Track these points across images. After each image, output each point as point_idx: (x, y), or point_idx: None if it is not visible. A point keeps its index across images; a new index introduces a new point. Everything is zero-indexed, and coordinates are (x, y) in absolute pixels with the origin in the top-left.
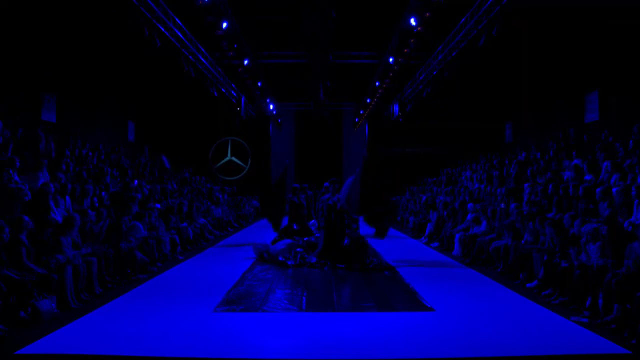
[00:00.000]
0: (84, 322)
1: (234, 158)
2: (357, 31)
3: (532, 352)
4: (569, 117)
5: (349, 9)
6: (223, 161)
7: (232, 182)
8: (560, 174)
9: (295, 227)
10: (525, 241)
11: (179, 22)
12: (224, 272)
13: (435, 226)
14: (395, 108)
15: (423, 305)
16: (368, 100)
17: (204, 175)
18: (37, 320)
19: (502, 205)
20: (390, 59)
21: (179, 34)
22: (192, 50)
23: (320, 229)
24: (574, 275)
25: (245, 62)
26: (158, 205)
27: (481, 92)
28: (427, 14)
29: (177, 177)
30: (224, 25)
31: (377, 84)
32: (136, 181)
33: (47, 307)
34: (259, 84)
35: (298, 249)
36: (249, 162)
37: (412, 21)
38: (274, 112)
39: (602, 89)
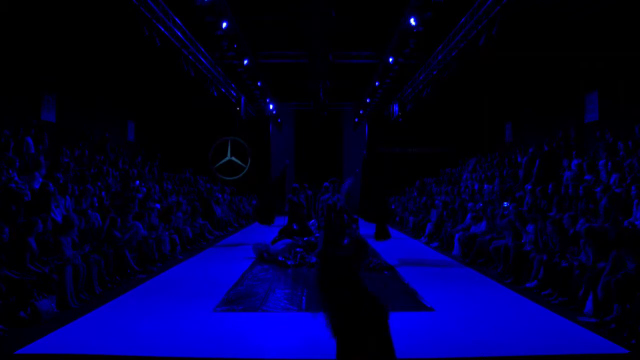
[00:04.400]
0: (83, 322)
1: (233, 158)
2: (357, 31)
3: (532, 352)
4: (569, 117)
5: (348, 8)
6: (223, 161)
7: (231, 182)
8: (560, 174)
9: (295, 227)
10: (525, 241)
11: (178, 22)
12: (224, 272)
13: (435, 226)
14: (395, 108)
15: (423, 305)
16: (368, 100)
17: (204, 175)
18: (37, 320)
19: (505, 204)
20: (390, 59)
21: (179, 34)
22: (192, 50)
23: (320, 229)
24: (574, 275)
25: (245, 62)
26: (158, 206)
27: (481, 92)
28: (427, 14)
29: (176, 177)
30: (224, 25)
31: (377, 84)
32: (137, 182)
33: (47, 307)
34: (258, 84)
35: (298, 249)
36: (249, 162)
37: (412, 21)
38: (274, 112)
39: (602, 89)
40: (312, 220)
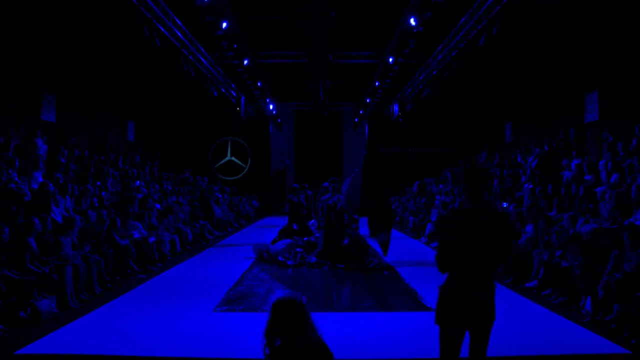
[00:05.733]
0: (83, 322)
1: (233, 158)
2: (357, 31)
3: (532, 352)
4: (569, 117)
5: (348, 8)
6: (223, 161)
7: (231, 182)
8: (560, 174)
9: (295, 227)
10: (525, 241)
11: (178, 22)
12: (224, 272)
13: (435, 226)
14: (395, 108)
15: (423, 305)
16: (368, 100)
17: (204, 175)
18: (37, 320)
19: (504, 204)
20: (390, 59)
21: (179, 34)
22: (192, 50)
23: (320, 229)
24: (574, 275)
25: (245, 62)
26: (158, 206)
27: (481, 92)
28: (427, 14)
29: (176, 177)
30: (224, 25)
31: (377, 84)
32: (137, 182)
33: (47, 307)
34: (258, 84)
35: (298, 249)
36: (249, 162)
37: (412, 21)
38: (274, 112)
39: (602, 89)
40: (312, 220)
